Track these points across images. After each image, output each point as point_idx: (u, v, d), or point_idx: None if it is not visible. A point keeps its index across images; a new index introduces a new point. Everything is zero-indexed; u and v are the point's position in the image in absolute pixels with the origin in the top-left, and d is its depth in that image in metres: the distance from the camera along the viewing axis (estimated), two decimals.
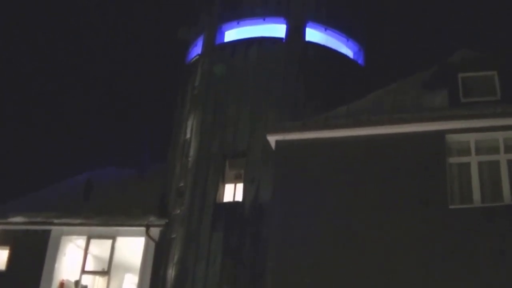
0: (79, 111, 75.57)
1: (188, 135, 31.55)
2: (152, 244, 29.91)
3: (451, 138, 21.48)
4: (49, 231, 30.90)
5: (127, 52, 79.79)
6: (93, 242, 31.19)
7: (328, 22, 33.29)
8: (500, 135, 20.95)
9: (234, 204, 28.64)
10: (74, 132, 76.04)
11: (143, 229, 29.91)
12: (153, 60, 79.05)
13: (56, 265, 30.37)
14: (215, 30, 33.49)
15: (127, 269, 32.99)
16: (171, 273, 28.61)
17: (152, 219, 30.12)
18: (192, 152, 30.55)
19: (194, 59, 34.18)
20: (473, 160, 20.99)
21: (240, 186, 28.90)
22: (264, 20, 32.91)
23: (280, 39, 32.22)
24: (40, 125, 76.40)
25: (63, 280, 30.39)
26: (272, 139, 23.93)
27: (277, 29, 32.57)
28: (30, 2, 78.92)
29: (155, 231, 30.06)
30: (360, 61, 34.33)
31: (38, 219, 31.04)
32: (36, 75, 77.29)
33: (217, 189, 28.98)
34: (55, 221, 30.90)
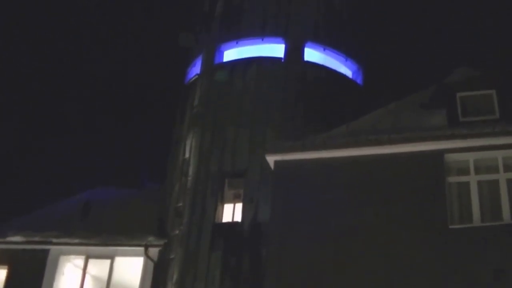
0: (77, 130, 75.62)
1: (187, 155, 31.53)
2: (151, 264, 29.80)
3: (450, 157, 21.48)
4: (47, 251, 30.79)
5: (126, 71, 79.83)
6: (92, 262, 31.05)
7: (326, 42, 33.34)
8: (499, 154, 20.96)
9: (233, 224, 28.58)
10: (73, 151, 75.91)
11: (141, 249, 29.82)
12: (152, 80, 79.08)
13: (55, 285, 30.20)
14: (214, 49, 33.56)
15: None
16: None
17: (151, 239, 30.03)
18: (191, 172, 30.52)
19: (193, 78, 34.22)
20: (473, 180, 20.98)
21: (239, 206, 28.85)
22: (262, 40, 32.99)
23: (279, 59, 32.28)
24: (38, 144, 76.33)
25: None
26: (271, 159, 23.95)
27: (276, 49, 32.64)
28: (30, 15, 79.02)
29: (154, 251, 29.96)
30: (359, 80, 34.38)
31: (37, 239, 30.93)
32: (33, 96, 77.43)
33: (216, 209, 28.93)
34: (54, 240, 30.78)
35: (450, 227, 20.32)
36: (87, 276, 31.14)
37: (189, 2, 39.60)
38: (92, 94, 78.35)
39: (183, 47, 36.47)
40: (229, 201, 29.34)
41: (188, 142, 31.89)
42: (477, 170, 21.12)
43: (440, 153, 21.55)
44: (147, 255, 29.75)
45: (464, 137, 21.36)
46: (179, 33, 36.50)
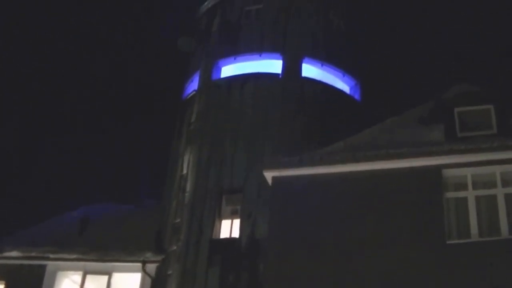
0: (76, 146, 75.57)
1: (184, 171, 31.52)
2: (149, 280, 29.72)
3: (448, 172, 21.47)
4: (44, 266, 30.70)
5: (126, 86, 79.91)
6: (89, 278, 30.92)
7: (324, 58, 33.40)
8: (497, 169, 20.95)
9: (230, 240, 28.51)
10: (71, 167, 75.87)
11: (139, 265, 29.76)
12: (150, 96, 79.22)
13: None
14: (212, 65, 33.60)
15: None
16: None
17: (149, 255, 29.97)
18: (188, 188, 30.49)
19: (190, 94, 34.25)
20: (470, 195, 20.96)
21: (236, 222, 28.79)
22: (260, 55, 33.04)
23: (276, 75, 32.31)
24: (36, 160, 76.26)
25: None
26: (268, 175, 23.93)
27: (274, 65, 32.69)
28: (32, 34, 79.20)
29: (152, 267, 29.89)
30: (357, 96, 34.42)
31: (34, 254, 30.85)
32: (29, 114, 77.45)
33: (214, 225, 28.88)
34: (51, 256, 30.71)
35: (448, 242, 20.30)
36: None
37: (187, 14, 39.68)
38: (90, 108, 78.52)
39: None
40: (226, 217, 29.29)
41: (185, 158, 31.88)
42: (475, 185, 21.09)
43: (438, 168, 21.54)
44: (144, 271, 29.67)
45: (462, 152, 21.36)
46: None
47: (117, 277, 30.49)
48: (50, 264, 30.74)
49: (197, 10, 37.83)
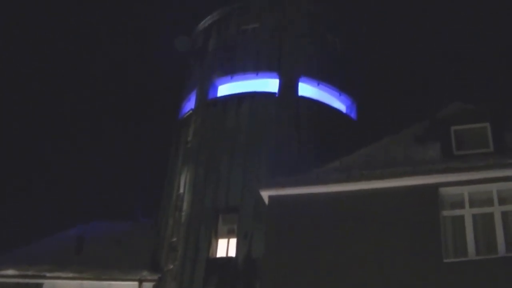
0: (72, 164, 75.59)
1: (181, 190, 31.50)
2: None
3: (445, 191, 21.45)
4: (41, 285, 30.58)
5: (120, 105, 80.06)
6: None
7: (320, 77, 33.48)
8: (494, 187, 20.91)
9: (227, 259, 28.43)
10: (67, 185, 75.85)
11: (136, 283, 29.67)
12: (146, 114, 79.29)
13: None
14: (208, 85, 33.65)
15: None
16: None
17: (145, 274, 29.88)
18: (185, 207, 30.45)
19: (187, 113, 34.29)
20: (467, 213, 20.92)
21: (233, 241, 28.73)
22: (257, 75, 33.12)
23: (272, 93, 32.36)
24: (33, 178, 76.27)
25: None
26: (265, 194, 23.89)
27: (270, 84, 32.75)
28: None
29: (148, 286, 29.79)
30: (353, 115, 34.47)
31: (30, 272, 30.74)
32: (27, 134, 77.49)
33: (210, 244, 28.81)
34: (47, 274, 30.60)
35: (445, 261, 20.24)
36: None
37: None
38: (87, 126, 78.51)
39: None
40: (223, 236, 29.22)
41: (182, 177, 31.87)
42: (472, 203, 21.06)
43: (435, 187, 21.51)
44: None
45: (458, 170, 21.35)
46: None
47: None
48: (47, 283, 30.62)
49: (193, 28, 37.94)
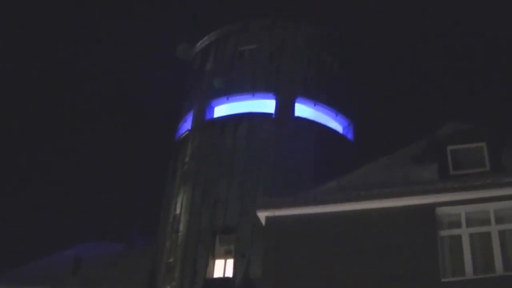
0: (70, 185, 75.57)
1: (178, 211, 31.46)
2: None
3: (442, 211, 21.41)
4: None
5: (117, 126, 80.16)
6: None
7: (317, 98, 33.58)
8: (490, 207, 20.88)
9: (224, 280, 28.36)
10: (65, 206, 75.83)
11: None
12: (143, 135, 79.41)
13: None
14: (205, 106, 33.68)
15: None
16: None
17: None
18: (182, 227, 30.41)
19: (184, 134, 34.30)
20: (464, 233, 20.88)
21: (230, 262, 28.67)
22: (253, 95, 33.18)
23: (269, 114, 32.41)
24: (30, 199, 76.23)
25: None
26: (262, 215, 23.82)
27: (267, 105, 32.79)
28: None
29: None
30: (350, 135, 34.52)
31: None
32: (25, 155, 77.52)
33: (207, 265, 28.76)
34: None
35: (443, 280, 20.18)
36: None
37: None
38: (83, 148, 78.55)
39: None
40: (220, 257, 29.18)
41: (179, 198, 31.85)
42: (469, 223, 21.02)
43: (432, 206, 21.47)
44: None
45: (455, 190, 21.32)
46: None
47: None
48: None
49: (191, 49, 38.04)
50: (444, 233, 21.17)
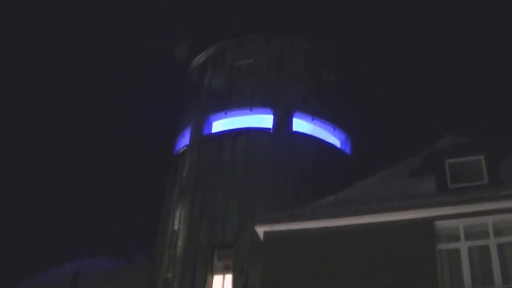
0: (68, 199, 75.53)
1: (176, 226, 31.40)
2: None
3: (440, 224, 21.39)
4: None
5: (115, 141, 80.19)
6: None
7: (314, 112, 33.57)
8: (489, 220, 20.87)
9: None
10: (63, 220, 75.77)
11: None
12: (141, 151, 79.38)
13: None
14: (203, 121, 33.67)
15: None
16: None
17: None
18: (180, 243, 30.33)
19: (182, 150, 34.27)
20: (463, 246, 20.86)
21: (228, 277, 28.59)
22: (251, 110, 33.17)
23: (267, 129, 32.40)
24: (28, 212, 76.19)
25: None
26: (260, 230, 23.81)
27: (265, 120, 32.79)
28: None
29: None
30: (348, 150, 34.51)
31: None
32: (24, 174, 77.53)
33: (206, 280, 28.67)
34: None
35: None
36: None
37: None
38: (80, 162, 78.50)
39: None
40: (218, 272, 29.09)
41: (177, 214, 31.78)
42: (467, 236, 21.01)
43: (430, 220, 21.46)
44: None
45: (453, 203, 21.32)
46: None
47: None
48: None
49: (188, 64, 38.12)
50: (443, 246, 21.15)
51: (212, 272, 29.04)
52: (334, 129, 34.23)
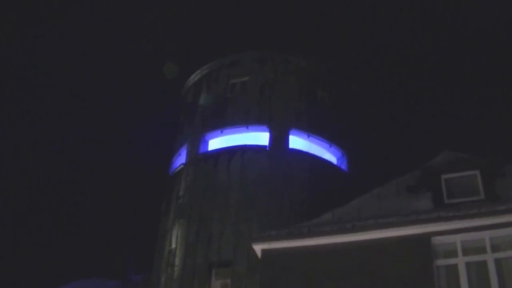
0: (63, 220, 75.38)
1: (173, 245, 31.32)
2: None
3: (437, 240, 21.38)
4: None
5: (111, 161, 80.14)
6: None
7: (310, 129, 33.62)
8: (486, 235, 20.86)
9: None
10: (58, 243, 75.58)
11: None
12: (138, 170, 79.35)
13: None
14: (199, 139, 33.68)
15: None
16: None
17: None
18: (177, 262, 30.26)
19: (178, 168, 34.27)
20: (460, 261, 20.83)
21: None
22: (247, 128, 33.21)
23: (263, 147, 32.43)
24: (21, 235, 76.00)
25: None
26: (257, 247, 23.77)
27: (260, 137, 32.82)
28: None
29: None
30: (344, 166, 34.52)
31: None
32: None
33: None
34: None
35: None
36: None
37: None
38: (78, 184, 78.38)
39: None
40: None
41: (174, 233, 31.72)
42: (465, 252, 20.99)
43: (427, 236, 21.45)
44: None
45: (450, 219, 21.31)
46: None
47: None
48: None
49: (183, 83, 38.22)
50: (440, 262, 21.13)
51: None
52: (330, 146, 34.28)
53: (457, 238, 21.17)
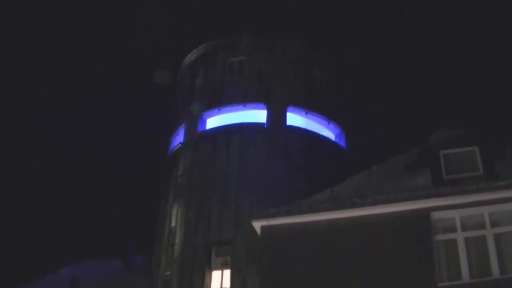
0: (64, 201, 75.46)
1: (173, 224, 31.34)
2: None
3: (436, 215, 21.46)
4: None
5: (111, 143, 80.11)
6: None
7: (308, 106, 33.52)
8: (485, 210, 20.95)
9: None
10: (60, 223, 75.67)
11: None
12: (136, 152, 79.35)
13: None
14: (197, 118, 33.59)
15: None
16: None
17: None
18: (177, 240, 30.31)
19: (176, 147, 34.21)
20: (460, 237, 20.94)
21: (227, 273, 28.58)
22: (244, 106, 33.12)
23: (261, 124, 32.37)
24: (23, 215, 76.07)
25: None
26: (257, 225, 23.85)
27: (258, 115, 32.75)
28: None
29: None
30: (342, 143, 34.49)
31: None
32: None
33: (204, 277, 28.64)
34: None
35: (439, 285, 20.24)
36: None
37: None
38: (78, 167, 78.41)
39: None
40: (216, 268, 29.06)
41: (173, 212, 31.72)
42: (464, 227, 21.09)
43: (426, 212, 21.53)
44: None
45: (449, 194, 21.40)
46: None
47: None
48: None
49: (180, 62, 38.08)
50: (440, 237, 21.23)
51: (210, 268, 29.00)
52: (329, 123, 34.21)
53: (456, 213, 21.27)
